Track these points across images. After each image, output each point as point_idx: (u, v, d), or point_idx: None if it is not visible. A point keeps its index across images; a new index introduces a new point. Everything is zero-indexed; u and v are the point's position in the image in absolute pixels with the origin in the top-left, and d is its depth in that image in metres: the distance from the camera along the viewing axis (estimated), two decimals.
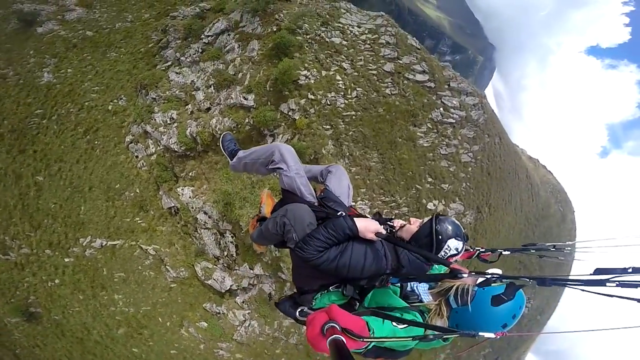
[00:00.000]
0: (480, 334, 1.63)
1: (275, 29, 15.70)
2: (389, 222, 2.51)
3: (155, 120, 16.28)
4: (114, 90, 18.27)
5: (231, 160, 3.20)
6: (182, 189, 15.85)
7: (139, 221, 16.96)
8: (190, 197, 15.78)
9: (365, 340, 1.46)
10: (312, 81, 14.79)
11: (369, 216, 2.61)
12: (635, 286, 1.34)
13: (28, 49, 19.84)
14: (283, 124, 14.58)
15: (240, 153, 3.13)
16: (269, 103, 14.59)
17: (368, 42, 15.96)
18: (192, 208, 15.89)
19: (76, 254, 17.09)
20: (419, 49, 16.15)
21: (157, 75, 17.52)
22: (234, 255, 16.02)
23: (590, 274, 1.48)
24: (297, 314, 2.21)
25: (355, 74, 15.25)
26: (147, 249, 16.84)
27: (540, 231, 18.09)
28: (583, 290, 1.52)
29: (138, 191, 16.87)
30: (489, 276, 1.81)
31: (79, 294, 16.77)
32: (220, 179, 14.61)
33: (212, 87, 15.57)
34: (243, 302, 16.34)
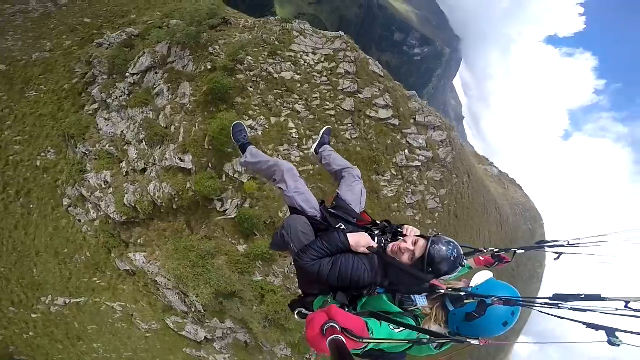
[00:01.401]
0: (468, 340, 1.52)
1: (209, 67, 10.63)
2: (399, 229, 2.21)
3: (89, 182, 11.83)
4: (39, 140, 13.24)
5: (242, 154, 2.92)
6: (134, 255, 12.00)
7: (97, 281, 13.43)
8: (144, 263, 11.89)
9: (364, 341, 1.25)
10: (260, 133, 10.39)
11: (378, 222, 2.37)
12: (584, 310, 1.33)
13: None
14: (230, 187, 10.39)
15: (249, 155, 2.84)
16: (209, 165, 10.27)
17: (325, 73, 11.34)
18: (149, 272, 12.10)
19: (42, 310, 13.88)
20: (381, 76, 11.72)
21: (84, 122, 12.54)
22: (202, 311, 12.72)
23: (549, 298, 1.44)
24: (296, 315, 2.04)
25: (311, 117, 10.86)
26: (112, 305, 13.37)
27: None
28: (540, 311, 1.49)
29: (89, 254, 13.06)
30: (462, 294, 1.72)
31: (57, 344, 13.94)
32: (168, 251, 10.58)
33: (144, 143, 10.85)
34: (221, 348, 13.55)
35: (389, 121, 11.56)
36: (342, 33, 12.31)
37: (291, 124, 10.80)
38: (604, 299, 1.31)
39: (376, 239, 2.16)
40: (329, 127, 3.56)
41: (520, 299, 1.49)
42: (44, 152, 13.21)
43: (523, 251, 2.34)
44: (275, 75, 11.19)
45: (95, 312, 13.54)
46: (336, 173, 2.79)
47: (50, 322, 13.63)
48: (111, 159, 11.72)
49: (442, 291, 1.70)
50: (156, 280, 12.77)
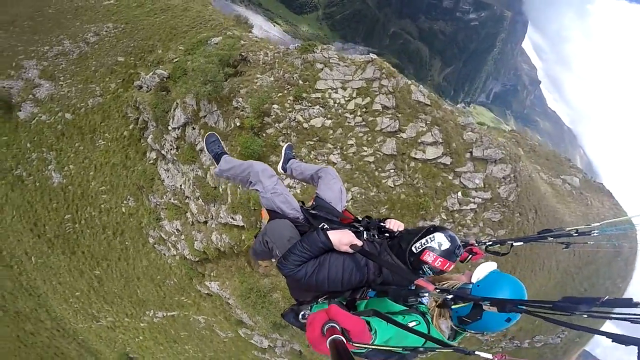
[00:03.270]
0: (477, 352, 1.47)
1: (238, 124, 12.25)
2: (381, 224, 2.35)
3: (165, 228, 15.76)
4: (119, 189, 17.54)
5: (217, 164, 3.08)
6: (209, 283, 16.29)
7: (184, 300, 18.57)
8: (218, 289, 16.28)
9: (357, 345, 1.34)
10: (299, 191, 12.04)
11: (360, 218, 2.51)
12: (607, 318, 1.24)
13: (24, 142, 19.30)
14: None
15: (222, 163, 3.00)
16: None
17: (359, 112, 11.77)
18: (223, 296, 16.57)
19: (147, 320, 20.08)
20: (428, 105, 11.49)
21: (149, 173, 16.04)
22: (266, 324, 17.13)
23: (558, 302, 1.33)
24: (300, 316, 2.13)
25: (348, 167, 11.87)
26: (198, 318, 18.88)
27: (583, 275, 14.87)
28: (548, 320, 1.40)
29: (176, 280, 17.88)
30: (448, 297, 1.69)
31: (159, 346, 20.46)
32: (235, 284, 14.49)
33: (200, 200, 13.84)
34: (281, 353, 18.18)
35: (439, 160, 11.56)
36: (373, 56, 11.83)
37: None
38: (636, 305, 1.19)
39: (365, 234, 2.24)
40: (289, 143, 3.84)
41: (520, 302, 1.40)
42: (126, 200, 17.62)
43: (521, 243, 2.26)
44: (305, 125, 12.06)
45: (186, 323, 18.78)
46: (312, 177, 2.97)
47: (154, 329, 19.20)
48: (178, 210, 15.34)
49: (427, 294, 1.71)
50: (229, 302, 17.36)
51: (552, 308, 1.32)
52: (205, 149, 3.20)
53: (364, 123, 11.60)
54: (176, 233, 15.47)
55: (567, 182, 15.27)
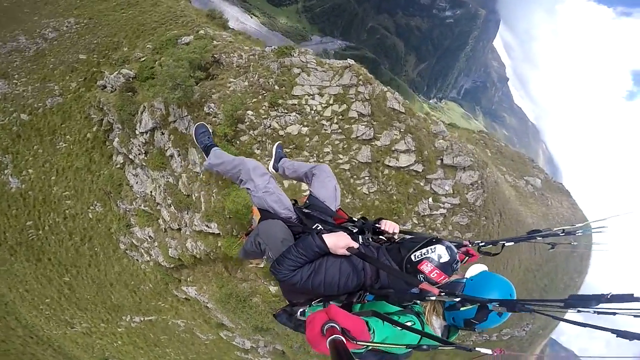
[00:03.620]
0: (477, 349, 1.45)
1: (211, 131, 11.74)
2: (376, 225, 2.36)
3: (136, 234, 15.10)
4: (84, 194, 16.48)
5: (206, 156, 2.98)
6: (186, 288, 15.91)
7: (161, 304, 18.05)
8: (196, 294, 15.94)
9: (359, 343, 1.35)
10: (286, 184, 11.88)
11: (355, 219, 2.49)
12: (613, 314, 1.25)
13: None
14: None
15: (212, 156, 2.90)
16: (234, 230, 12.43)
17: (335, 119, 11.69)
18: (201, 300, 16.25)
19: (124, 325, 19.39)
20: (402, 112, 11.61)
21: (116, 178, 15.17)
22: (247, 328, 17.08)
23: (568, 300, 1.32)
24: (298, 314, 2.09)
25: None
26: (177, 322, 18.48)
27: (543, 272, 16.00)
28: (554, 317, 1.42)
29: (151, 285, 17.30)
30: (457, 300, 1.64)
31: (139, 350, 19.84)
32: (212, 289, 14.24)
33: (173, 207, 13.31)
34: (264, 353, 18.29)
35: (411, 167, 11.79)
36: (351, 62, 11.72)
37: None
38: (637, 300, 1.19)
39: (360, 238, 2.19)
40: (279, 142, 3.80)
41: (526, 302, 1.40)
42: (92, 205, 16.51)
43: (512, 243, 2.32)
44: (281, 132, 11.82)
45: (165, 327, 18.58)
46: (306, 174, 2.86)
47: (132, 333, 18.57)
48: (149, 217, 14.60)
49: (434, 298, 1.68)
50: (207, 306, 17.08)
51: (563, 306, 1.32)
52: (194, 140, 3.11)
53: (340, 130, 11.54)
54: (149, 240, 14.85)
55: (530, 184, 16.20)
